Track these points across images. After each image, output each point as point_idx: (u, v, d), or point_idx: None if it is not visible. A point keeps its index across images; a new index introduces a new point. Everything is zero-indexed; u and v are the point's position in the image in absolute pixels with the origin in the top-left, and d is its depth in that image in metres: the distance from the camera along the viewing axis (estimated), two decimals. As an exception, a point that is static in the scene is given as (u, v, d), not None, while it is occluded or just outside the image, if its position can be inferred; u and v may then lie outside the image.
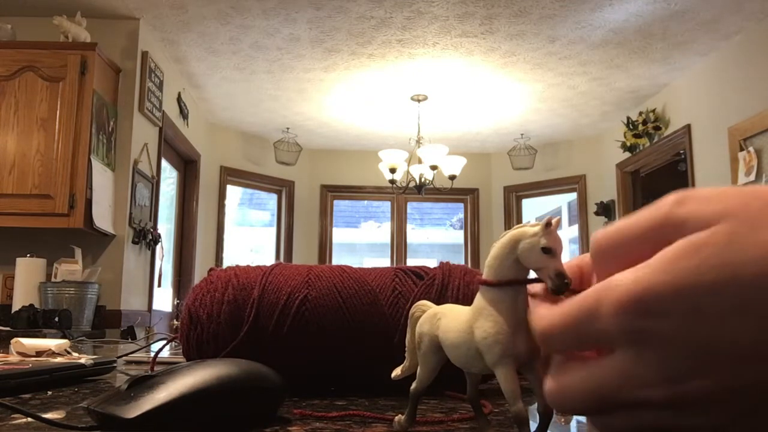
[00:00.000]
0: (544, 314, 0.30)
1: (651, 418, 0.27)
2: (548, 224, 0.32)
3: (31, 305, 2.92)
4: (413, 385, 0.38)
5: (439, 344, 0.36)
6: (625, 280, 0.26)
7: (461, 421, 0.44)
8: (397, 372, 0.41)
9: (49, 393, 0.58)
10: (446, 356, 0.36)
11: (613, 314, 0.26)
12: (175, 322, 4.37)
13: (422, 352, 0.38)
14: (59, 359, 0.72)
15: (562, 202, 6.79)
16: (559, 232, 0.33)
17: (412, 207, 6.83)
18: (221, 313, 0.60)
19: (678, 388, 0.25)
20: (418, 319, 0.39)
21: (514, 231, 0.33)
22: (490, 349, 0.32)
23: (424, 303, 0.40)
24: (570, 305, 0.29)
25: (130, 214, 3.63)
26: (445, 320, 0.36)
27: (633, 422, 0.27)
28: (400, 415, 0.39)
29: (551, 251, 0.31)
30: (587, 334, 0.28)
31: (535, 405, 0.35)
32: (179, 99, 4.60)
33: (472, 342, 0.33)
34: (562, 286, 0.31)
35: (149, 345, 1.29)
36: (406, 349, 0.41)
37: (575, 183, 6.11)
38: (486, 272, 0.34)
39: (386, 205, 6.81)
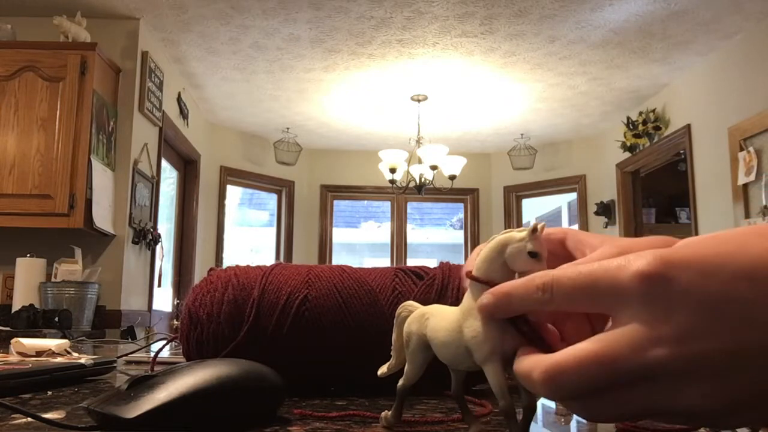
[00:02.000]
0: (566, 267, 0.31)
1: (644, 395, 0.27)
2: (535, 230, 0.33)
3: (31, 305, 2.92)
4: (400, 382, 0.40)
5: (427, 343, 0.38)
6: (644, 254, 0.28)
7: (461, 421, 0.44)
8: (383, 370, 0.42)
9: (49, 393, 0.58)
10: (433, 354, 0.38)
11: (635, 270, 0.27)
12: (175, 322, 4.38)
13: (410, 350, 0.39)
14: (59, 359, 0.72)
15: (562, 202, 6.80)
16: (543, 232, 0.34)
17: (412, 207, 6.83)
18: (221, 313, 0.60)
19: (684, 348, 0.26)
20: (405, 319, 0.41)
21: (502, 236, 0.35)
22: (479, 347, 0.33)
23: (411, 303, 0.41)
24: (592, 265, 0.30)
25: (130, 214, 3.63)
26: (434, 320, 0.37)
27: (624, 403, 0.28)
28: (386, 411, 0.40)
29: (537, 255, 0.33)
30: (604, 290, 0.29)
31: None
32: (179, 99, 4.60)
33: (461, 340, 0.34)
34: None
35: (149, 345, 1.29)
36: (392, 347, 0.42)
37: (575, 183, 6.11)
38: (475, 273, 0.35)
39: (386, 205, 6.81)
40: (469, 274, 0.35)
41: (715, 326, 0.26)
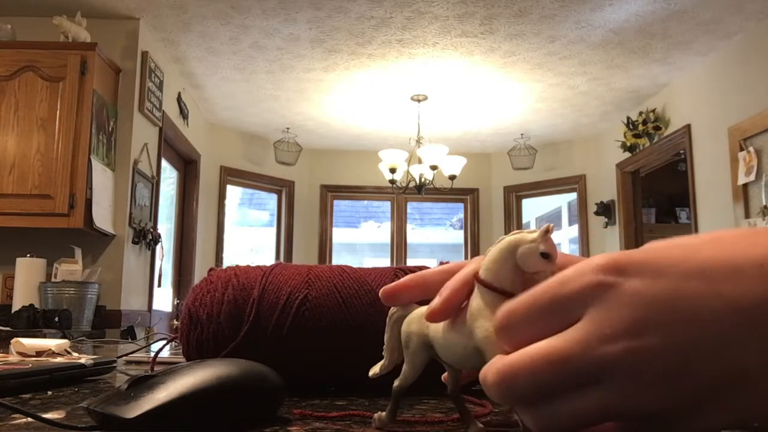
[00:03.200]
0: (509, 303, 0.31)
1: (596, 398, 0.27)
2: (547, 231, 0.33)
3: (31, 305, 2.92)
4: (397, 383, 0.39)
5: (429, 343, 0.38)
6: (600, 256, 0.29)
7: (460, 421, 0.44)
8: (375, 370, 0.42)
9: (49, 393, 0.58)
10: (433, 355, 0.38)
11: (590, 272, 0.28)
12: (175, 322, 4.38)
13: (410, 351, 0.39)
14: (59, 359, 0.72)
15: (562, 202, 6.79)
16: (560, 233, 0.34)
17: (412, 207, 6.83)
18: (221, 313, 0.60)
19: (634, 344, 0.26)
20: (398, 318, 0.40)
21: (513, 236, 0.35)
22: (492, 347, 0.33)
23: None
24: (540, 285, 0.30)
25: (130, 214, 3.63)
26: None
27: (577, 409, 0.28)
28: (381, 412, 0.40)
29: (549, 256, 0.33)
30: (558, 299, 0.29)
31: None
32: (179, 99, 4.60)
33: (470, 341, 0.34)
34: None
35: (149, 345, 1.29)
36: (385, 347, 0.42)
37: (575, 183, 6.11)
38: (484, 274, 0.35)
39: (386, 205, 6.81)
40: (478, 278, 0.35)
41: (666, 321, 0.26)
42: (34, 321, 2.83)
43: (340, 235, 6.97)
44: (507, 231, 6.29)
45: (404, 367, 0.39)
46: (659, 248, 0.29)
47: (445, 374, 0.40)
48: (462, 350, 0.35)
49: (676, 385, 0.26)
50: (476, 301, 0.35)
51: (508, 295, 0.34)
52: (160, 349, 0.74)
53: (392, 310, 0.41)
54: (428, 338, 0.38)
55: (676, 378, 0.26)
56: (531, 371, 0.28)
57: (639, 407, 0.27)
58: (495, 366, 0.30)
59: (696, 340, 0.26)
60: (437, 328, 0.37)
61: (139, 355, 0.96)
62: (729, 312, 0.26)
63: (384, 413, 0.40)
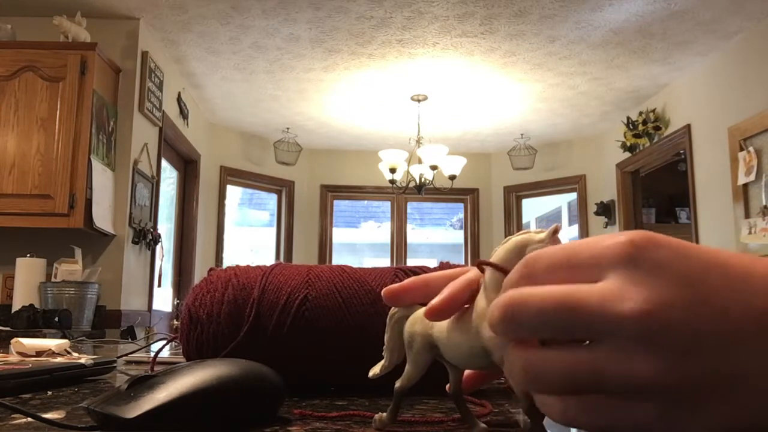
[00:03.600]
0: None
1: (597, 357, 0.27)
2: (555, 231, 0.33)
3: (31, 305, 2.92)
4: (399, 383, 0.39)
5: (433, 343, 0.37)
6: (632, 231, 0.29)
7: (461, 422, 0.44)
8: (375, 370, 0.42)
9: (49, 393, 0.58)
10: (436, 355, 0.38)
11: (623, 237, 0.28)
12: (175, 322, 4.38)
13: (414, 351, 0.39)
14: (59, 359, 0.72)
15: (562, 202, 6.80)
16: (560, 233, 0.34)
17: (412, 207, 6.83)
18: (221, 313, 0.60)
19: (650, 310, 0.26)
20: (400, 319, 0.40)
21: (520, 236, 0.34)
22: (500, 348, 0.33)
23: None
24: (570, 242, 0.31)
25: (130, 214, 3.63)
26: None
27: (568, 361, 0.28)
28: (381, 413, 0.39)
29: None
30: (587, 253, 0.29)
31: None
32: (179, 99, 4.60)
33: (477, 341, 0.34)
34: None
35: (149, 345, 1.29)
36: (385, 347, 0.42)
37: (575, 183, 6.11)
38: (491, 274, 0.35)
39: (386, 205, 6.81)
40: (484, 263, 0.35)
41: (686, 300, 0.26)
42: (34, 321, 2.83)
43: (340, 235, 6.97)
44: (507, 231, 6.29)
45: (407, 367, 0.39)
46: (682, 241, 0.29)
47: (448, 385, 0.39)
48: (468, 350, 0.35)
49: (679, 366, 0.26)
50: (482, 301, 0.34)
51: None
52: (160, 349, 0.74)
53: (393, 310, 0.41)
54: (432, 338, 0.37)
55: (682, 357, 0.26)
56: (541, 308, 0.28)
57: (637, 380, 0.26)
58: (507, 294, 0.30)
59: (709, 328, 0.26)
60: (442, 329, 0.37)
61: (139, 355, 0.96)
62: (741, 309, 0.26)
63: (385, 414, 0.39)
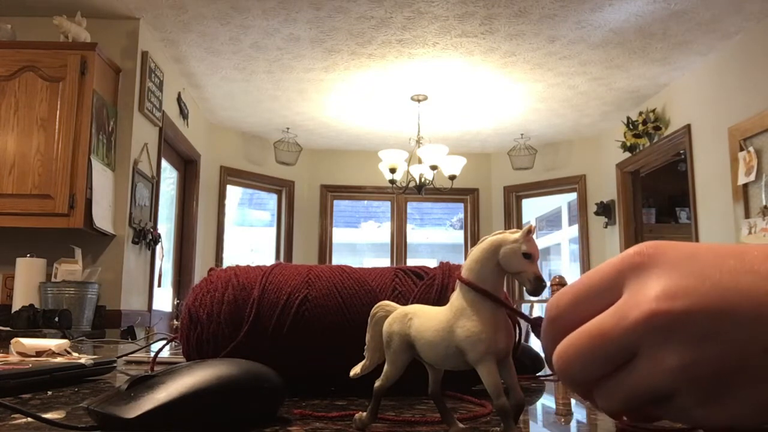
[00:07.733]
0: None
1: (640, 372, 0.28)
2: (529, 231, 0.34)
3: (31, 305, 2.92)
4: (378, 383, 0.39)
5: (411, 343, 0.38)
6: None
7: (461, 421, 0.44)
8: (356, 370, 0.42)
9: (49, 393, 0.58)
10: (414, 355, 0.38)
11: (629, 252, 0.30)
12: (175, 322, 4.38)
13: (392, 351, 0.39)
14: (59, 359, 0.72)
15: (562, 202, 6.80)
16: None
17: (412, 207, 6.83)
18: (221, 313, 0.60)
19: (660, 306, 0.27)
20: (381, 318, 0.40)
21: (495, 236, 0.35)
22: (474, 347, 0.33)
23: (387, 303, 0.41)
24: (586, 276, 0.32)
25: (130, 214, 3.63)
26: (418, 320, 0.37)
27: (626, 384, 0.29)
28: (361, 413, 0.39)
29: (531, 256, 0.33)
30: (599, 279, 0.30)
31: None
32: (179, 99, 4.60)
33: (452, 340, 0.35)
34: (539, 289, 0.33)
35: (149, 345, 1.29)
36: (366, 347, 0.42)
37: (575, 183, 6.11)
38: (466, 274, 0.35)
39: (386, 205, 6.81)
40: (459, 277, 0.35)
41: (698, 288, 0.26)
42: (34, 321, 2.82)
43: (340, 235, 6.97)
44: (507, 231, 6.28)
45: (386, 367, 0.39)
46: (692, 243, 0.30)
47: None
48: (444, 350, 0.35)
49: (704, 357, 0.26)
50: (458, 301, 0.35)
51: (490, 295, 0.34)
52: (160, 349, 0.74)
53: (374, 309, 0.41)
54: (410, 338, 0.38)
55: (703, 342, 0.26)
56: (578, 350, 0.29)
57: (668, 382, 0.27)
58: (554, 354, 0.31)
59: (730, 307, 0.26)
60: (419, 328, 0.37)
61: (139, 355, 0.96)
62: (764, 288, 0.26)
63: (365, 413, 0.39)
